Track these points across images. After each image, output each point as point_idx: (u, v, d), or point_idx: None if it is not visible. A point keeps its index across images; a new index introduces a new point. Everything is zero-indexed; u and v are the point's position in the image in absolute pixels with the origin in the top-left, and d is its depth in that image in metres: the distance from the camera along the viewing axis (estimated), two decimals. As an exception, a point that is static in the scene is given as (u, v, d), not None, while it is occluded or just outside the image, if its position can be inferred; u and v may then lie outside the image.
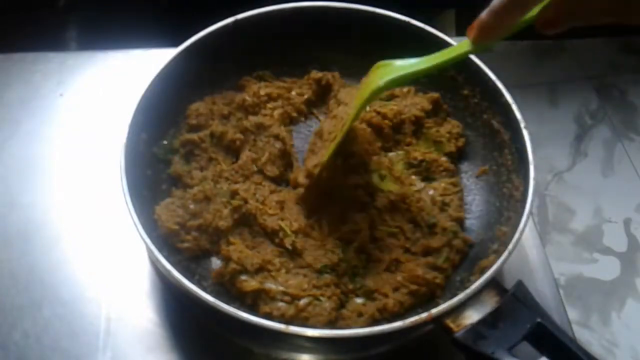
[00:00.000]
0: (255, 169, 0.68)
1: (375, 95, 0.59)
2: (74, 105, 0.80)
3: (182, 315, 0.64)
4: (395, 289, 0.61)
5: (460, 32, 1.39)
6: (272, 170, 0.68)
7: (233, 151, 0.70)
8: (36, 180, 0.73)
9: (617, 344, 1.44)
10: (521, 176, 0.64)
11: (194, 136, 0.69)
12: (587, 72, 1.90)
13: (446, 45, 0.71)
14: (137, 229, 0.56)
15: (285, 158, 0.70)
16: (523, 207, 0.60)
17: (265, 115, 0.72)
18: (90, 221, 0.70)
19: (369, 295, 0.61)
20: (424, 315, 0.53)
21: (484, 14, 0.48)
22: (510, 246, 0.57)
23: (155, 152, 0.68)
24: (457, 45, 0.54)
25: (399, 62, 0.58)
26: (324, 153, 0.64)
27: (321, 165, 0.64)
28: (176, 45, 0.69)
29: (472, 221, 0.68)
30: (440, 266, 0.62)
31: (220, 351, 0.63)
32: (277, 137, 0.70)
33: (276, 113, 0.72)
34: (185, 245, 0.62)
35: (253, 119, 0.71)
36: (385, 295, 0.61)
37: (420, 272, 0.61)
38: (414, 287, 0.61)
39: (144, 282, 0.66)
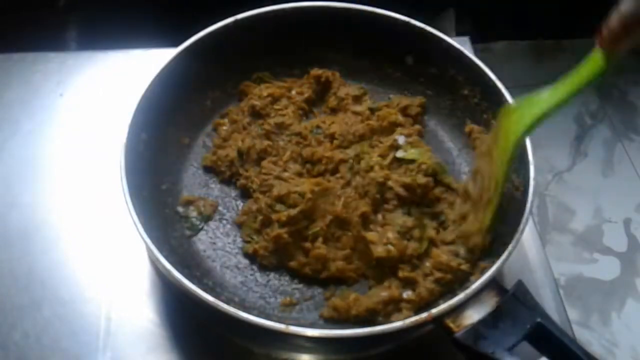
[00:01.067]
0: (277, 171, 0.68)
1: (518, 144, 0.57)
2: (74, 105, 0.80)
3: (182, 315, 0.64)
4: (425, 276, 0.61)
5: (460, 32, 1.40)
6: (294, 168, 0.68)
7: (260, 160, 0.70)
8: (36, 180, 0.73)
9: (617, 344, 1.44)
10: (521, 176, 0.64)
11: (222, 156, 0.70)
12: (587, 72, 1.90)
13: (445, 44, 0.72)
14: (137, 229, 0.56)
15: (307, 157, 0.70)
16: (523, 207, 0.60)
17: (283, 115, 0.72)
18: (90, 221, 0.70)
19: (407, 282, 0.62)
20: (424, 315, 0.53)
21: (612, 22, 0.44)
22: (510, 246, 0.57)
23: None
24: (587, 64, 0.50)
25: (529, 101, 0.55)
26: (480, 218, 0.62)
27: (483, 230, 0.62)
28: (176, 45, 0.69)
29: (472, 221, 0.69)
30: (463, 254, 0.63)
31: (220, 351, 0.63)
32: (299, 134, 0.71)
33: (290, 111, 0.73)
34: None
35: (272, 120, 0.71)
36: (417, 282, 0.61)
37: (444, 259, 0.61)
38: (439, 274, 0.61)
39: (144, 282, 0.66)
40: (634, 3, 0.43)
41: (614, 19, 0.45)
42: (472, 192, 0.63)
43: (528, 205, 0.59)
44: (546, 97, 0.55)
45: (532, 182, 0.61)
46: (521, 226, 0.58)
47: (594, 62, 0.49)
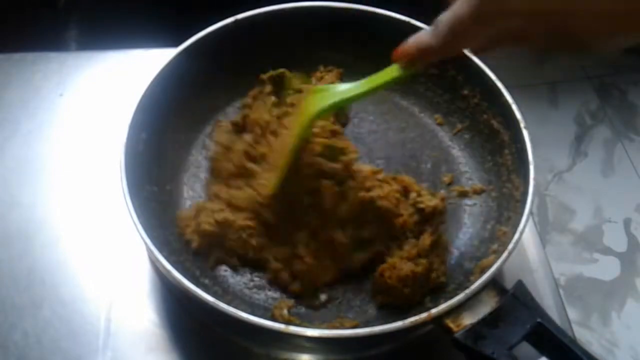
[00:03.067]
0: None
1: (313, 121, 0.61)
2: (74, 105, 0.80)
3: (182, 315, 0.64)
4: None
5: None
6: None
7: None
8: (36, 180, 0.73)
9: (617, 344, 1.44)
10: (521, 176, 0.64)
11: None
12: (587, 72, 1.90)
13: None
14: (137, 229, 0.56)
15: None
16: (523, 207, 0.60)
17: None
18: (90, 221, 0.70)
19: None
20: (424, 315, 0.53)
21: (410, 45, 0.52)
22: (510, 246, 0.57)
23: None
24: (388, 70, 0.56)
25: (334, 88, 0.60)
26: (267, 179, 0.63)
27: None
28: (176, 45, 0.69)
29: (471, 221, 0.69)
30: None
31: (220, 351, 0.63)
32: None
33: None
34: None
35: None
36: None
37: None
38: None
39: (144, 282, 0.67)
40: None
41: (412, 44, 0.52)
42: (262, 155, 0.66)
43: (528, 205, 0.59)
44: (344, 90, 0.59)
45: (532, 182, 0.61)
46: (521, 226, 0.58)
47: (391, 70, 0.55)
